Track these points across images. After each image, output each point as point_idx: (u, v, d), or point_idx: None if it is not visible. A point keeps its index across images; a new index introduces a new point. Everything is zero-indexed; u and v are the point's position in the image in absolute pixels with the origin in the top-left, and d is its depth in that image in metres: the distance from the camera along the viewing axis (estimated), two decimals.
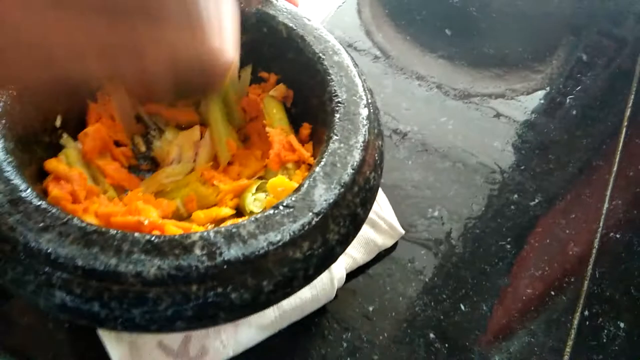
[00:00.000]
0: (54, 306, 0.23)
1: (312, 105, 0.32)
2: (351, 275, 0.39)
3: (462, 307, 0.39)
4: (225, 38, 0.21)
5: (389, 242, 0.41)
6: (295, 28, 0.32)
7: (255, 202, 0.31)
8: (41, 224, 0.23)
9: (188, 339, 0.33)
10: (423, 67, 0.56)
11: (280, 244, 0.24)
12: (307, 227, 0.25)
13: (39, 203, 0.24)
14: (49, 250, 0.22)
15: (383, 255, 0.41)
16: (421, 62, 0.56)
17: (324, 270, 0.27)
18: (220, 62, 0.21)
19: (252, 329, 0.34)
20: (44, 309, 0.23)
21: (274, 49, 0.33)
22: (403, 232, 0.41)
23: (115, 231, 0.23)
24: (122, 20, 0.18)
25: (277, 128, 0.33)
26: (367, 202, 0.28)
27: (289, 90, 0.35)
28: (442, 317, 0.39)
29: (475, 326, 0.38)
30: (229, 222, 0.29)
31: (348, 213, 0.27)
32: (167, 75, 0.20)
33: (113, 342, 0.32)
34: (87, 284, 0.22)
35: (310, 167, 0.31)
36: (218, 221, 0.30)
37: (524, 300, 0.41)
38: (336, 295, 0.37)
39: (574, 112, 0.54)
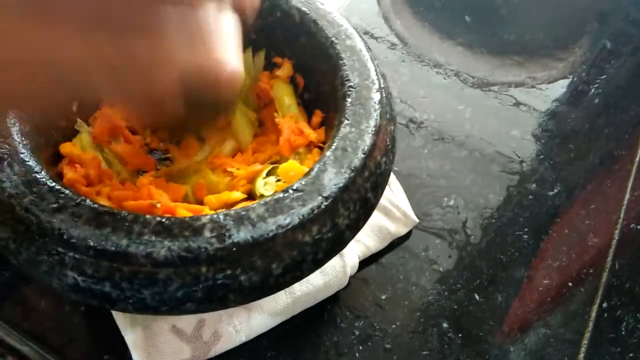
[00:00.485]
0: (67, 286, 0.23)
1: (324, 91, 0.32)
2: (364, 264, 0.39)
3: (477, 297, 0.39)
4: (227, 49, 0.20)
5: (402, 231, 0.40)
6: (308, 12, 0.32)
7: (265, 186, 0.30)
8: (54, 205, 0.23)
9: (201, 323, 0.33)
10: (441, 54, 0.55)
11: (289, 227, 0.24)
12: (316, 210, 0.25)
13: (52, 184, 0.24)
14: (61, 231, 0.22)
15: (397, 244, 0.41)
16: (439, 50, 0.55)
17: (334, 255, 0.27)
18: (225, 73, 0.20)
19: (264, 315, 0.34)
20: (56, 289, 0.23)
21: (287, 34, 0.33)
22: (417, 220, 0.41)
23: (126, 213, 0.23)
24: (120, 36, 0.18)
25: (287, 115, 0.33)
26: (378, 187, 0.28)
27: (298, 75, 0.35)
28: (455, 307, 0.38)
29: (489, 317, 0.38)
30: (240, 206, 0.29)
31: (358, 197, 0.26)
32: (176, 95, 0.20)
33: (128, 326, 0.32)
34: (99, 265, 0.22)
35: (321, 151, 0.31)
36: (230, 205, 0.30)
37: (541, 292, 0.40)
38: (349, 283, 0.37)
39: (597, 101, 0.53)
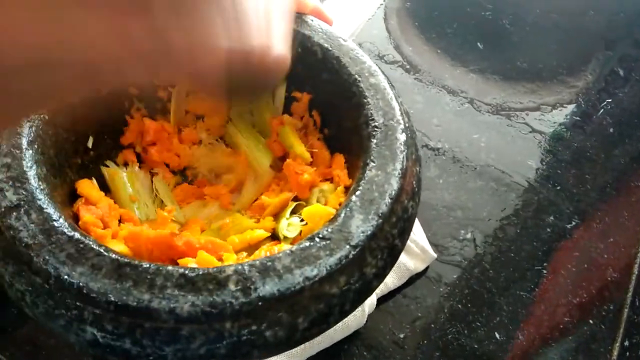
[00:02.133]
0: (85, 342, 0.22)
1: (346, 128, 0.31)
2: (382, 300, 0.38)
3: (497, 335, 0.38)
4: (273, 33, 0.20)
5: (420, 267, 0.39)
6: (330, 49, 0.31)
7: (289, 227, 0.30)
8: (74, 257, 0.22)
9: None
10: (454, 81, 0.54)
11: (316, 279, 0.23)
12: (344, 260, 0.24)
13: (71, 234, 0.23)
14: (80, 285, 0.21)
15: (414, 278, 0.40)
16: (452, 76, 0.55)
17: (360, 305, 0.26)
18: (270, 58, 0.20)
19: (281, 357, 0.33)
20: (74, 345, 0.22)
21: (309, 70, 0.32)
22: (435, 255, 0.40)
23: (148, 264, 0.22)
24: (156, 20, 0.17)
25: (297, 159, 0.33)
26: (405, 233, 0.27)
27: (316, 111, 0.34)
28: (476, 346, 0.37)
29: (511, 356, 0.37)
30: (263, 248, 0.28)
31: (386, 245, 0.25)
32: (219, 78, 0.19)
33: None
34: (119, 320, 0.22)
35: (346, 189, 0.30)
36: (253, 245, 0.29)
37: (561, 329, 0.39)
38: (366, 320, 0.36)
39: (611, 130, 0.52)
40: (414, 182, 0.28)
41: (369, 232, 0.25)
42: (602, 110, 0.54)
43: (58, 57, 0.16)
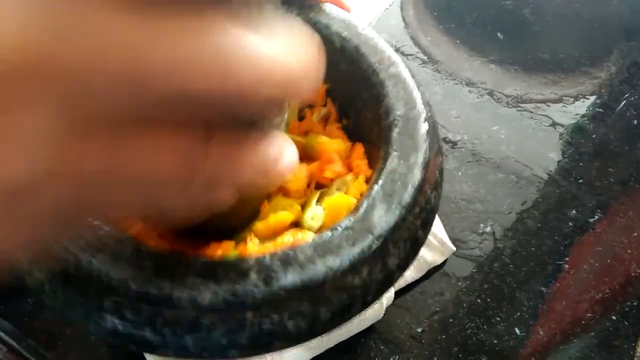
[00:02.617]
0: (105, 331, 0.22)
1: (365, 119, 0.31)
2: (399, 293, 0.38)
3: (517, 331, 0.37)
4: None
5: (439, 259, 0.39)
6: (349, 38, 0.31)
7: (313, 219, 0.29)
8: (93, 244, 0.22)
9: None
10: (473, 72, 0.53)
11: (339, 269, 0.22)
12: (367, 251, 0.23)
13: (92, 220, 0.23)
14: (101, 272, 0.21)
15: (432, 272, 0.39)
16: (471, 67, 0.54)
17: (382, 296, 0.25)
18: (276, 171, 0.17)
19: (299, 349, 0.33)
20: (94, 334, 0.22)
21: (327, 60, 0.32)
22: (454, 248, 0.39)
23: (169, 253, 0.22)
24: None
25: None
26: (427, 224, 0.27)
27: (331, 103, 0.33)
28: (495, 341, 0.36)
29: (531, 352, 0.36)
30: (288, 234, 0.27)
31: (409, 236, 0.25)
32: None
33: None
34: (140, 309, 0.21)
35: (367, 180, 0.29)
36: (279, 230, 0.28)
37: (583, 325, 0.38)
38: (384, 314, 0.36)
39: (635, 122, 0.51)
40: (437, 173, 0.28)
41: (392, 223, 0.24)
42: (625, 102, 0.53)
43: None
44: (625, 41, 0.59)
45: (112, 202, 0.15)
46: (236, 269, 0.22)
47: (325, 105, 0.34)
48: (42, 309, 0.36)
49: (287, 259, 0.22)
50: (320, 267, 0.22)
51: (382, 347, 0.36)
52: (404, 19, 0.58)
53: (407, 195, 0.25)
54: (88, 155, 0.13)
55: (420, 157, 0.26)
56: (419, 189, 0.25)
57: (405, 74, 0.29)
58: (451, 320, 0.37)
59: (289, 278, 0.22)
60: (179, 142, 0.14)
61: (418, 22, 0.58)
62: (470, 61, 0.54)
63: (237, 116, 0.15)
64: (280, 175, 0.16)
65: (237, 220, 0.27)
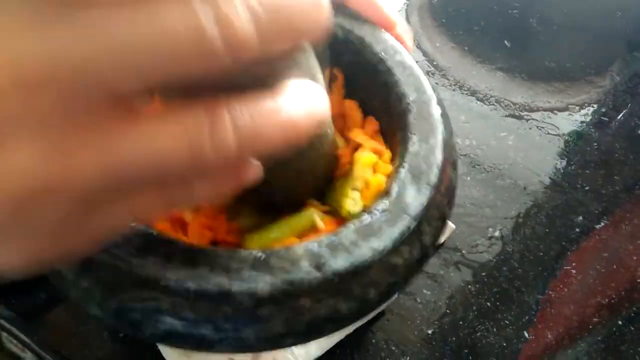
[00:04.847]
0: (162, 332, 0.21)
1: (373, 107, 0.31)
2: (409, 296, 0.38)
3: (526, 334, 0.37)
4: None
5: (441, 238, 0.39)
6: (352, 29, 0.31)
7: (355, 206, 0.29)
8: (143, 248, 0.22)
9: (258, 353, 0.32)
10: (481, 80, 0.54)
11: (383, 251, 0.23)
12: (406, 232, 0.24)
13: (137, 226, 0.23)
14: (156, 275, 0.21)
15: (442, 275, 0.40)
16: (479, 75, 0.54)
17: (418, 274, 0.26)
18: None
19: (321, 339, 0.33)
20: (148, 337, 0.22)
21: (330, 51, 0.32)
22: (454, 226, 0.40)
23: (221, 250, 0.22)
24: None
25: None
26: (452, 201, 0.28)
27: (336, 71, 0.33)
28: (504, 344, 0.37)
29: (540, 356, 0.37)
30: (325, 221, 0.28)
31: (439, 214, 0.26)
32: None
33: (180, 357, 0.31)
34: (198, 307, 0.21)
35: (392, 159, 0.30)
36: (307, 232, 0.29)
37: (590, 330, 0.39)
38: (394, 315, 0.36)
39: (639, 131, 0.52)
40: (453, 153, 0.29)
41: (425, 203, 0.25)
42: (628, 111, 0.53)
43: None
44: (628, 52, 0.60)
45: (134, 202, 0.15)
46: (287, 258, 0.22)
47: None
48: (55, 305, 0.36)
49: (334, 245, 0.23)
50: (365, 250, 0.23)
51: (392, 348, 0.36)
52: (414, 26, 0.59)
53: (433, 176, 0.26)
54: (87, 156, 0.13)
55: (439, 139, 0.27)
56: (443, 169, 0.26)
57: (411, 61, 0.30)
58: (461, 322, 0.38)
59: (339, 262, 0.22)
60: (176, 121, 0.14)
61: (423, 29, 0.58)
62: (477, 69, 0.55)
63: (246, 77, 0.15)
64: (310, 124, 0.16)
65: (304, 190, 0.28)
